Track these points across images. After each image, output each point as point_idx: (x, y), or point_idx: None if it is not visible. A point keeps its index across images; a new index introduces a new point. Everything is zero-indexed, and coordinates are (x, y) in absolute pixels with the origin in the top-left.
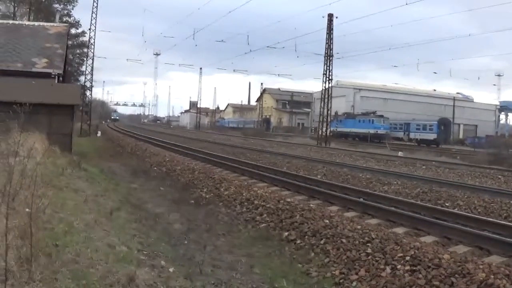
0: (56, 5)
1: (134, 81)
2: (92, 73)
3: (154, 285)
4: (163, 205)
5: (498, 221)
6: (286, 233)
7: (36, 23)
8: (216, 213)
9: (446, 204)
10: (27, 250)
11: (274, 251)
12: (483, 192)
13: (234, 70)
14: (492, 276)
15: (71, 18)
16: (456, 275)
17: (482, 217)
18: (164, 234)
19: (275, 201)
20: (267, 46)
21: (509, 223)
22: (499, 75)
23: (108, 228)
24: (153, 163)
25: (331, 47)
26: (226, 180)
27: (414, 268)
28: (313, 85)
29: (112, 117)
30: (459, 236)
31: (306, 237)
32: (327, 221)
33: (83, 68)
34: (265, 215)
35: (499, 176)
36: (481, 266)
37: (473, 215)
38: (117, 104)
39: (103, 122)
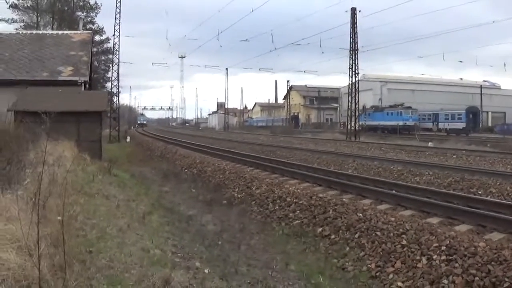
0: (79, 13)
1: (161, 85)
2: (118, 79)
3: (189, 286)
4: (195, 207)
5: None
6: (320, 229)
7: (60, 32)
8: (248, 212)
9: (479, 192)
10: (61, 258)
11: (308, 247)
12: None
13: (259, 69)
14: None
15: (95, 25)
16: (493, 263)
17: None
18: (197, 236)
19: (308, 197)
20: (292, 43)
21: None
22: None
23: (141, 232)
24: (183, 166)
25: (356, 41)
26: (257, 179)
27: (450, 257)
28: (340, 80)
29: (139, 122)
30: (494, 223)
31: (340, 231)
32: (361, 214)
33: (109, 75)
34: (298, 211)
35: None
36: None
37: (506, 202)
38: (144, 108)
39: (132, 127)
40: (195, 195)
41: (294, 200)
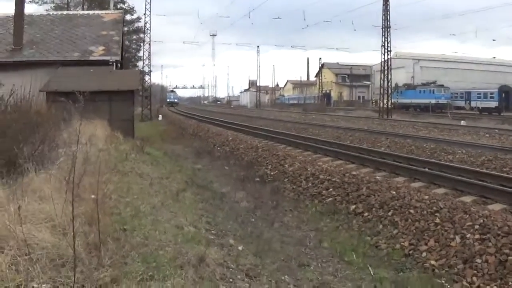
0: None
1: (192, 63)
2: (150, 57)
3: (224, 264)
4: (229, 184)
5: None
6: (353, 206)
7: (91, 12)
8: (282, 189)
9: None
10: (95, 236)
11: (342, 224)
12: None
13: (291, 46)
14: None
15: (125, 5)
16: None
17: None
18: (231, 213)
19: (341, 174)
20: (324, 21)
21: None
22: None
23: (175, 210)
24: (216, 143)
25: (388, 18)
26: (290, 156)
27: (484, 236)
28: (372, 58)
29: (169, 100)
30: None
31: (374, 209)
32: (394, 192)
33: (140, 54)
34: (331, 189)
35: None
36: None
37: None
38: (176, 87)
39: (163, 106)
40: (228, 172)
41: (327, 178)
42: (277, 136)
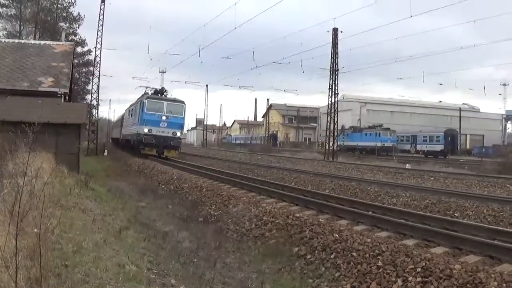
0: (62, 24)
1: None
2: (99, 91)
3: None
4: (172, 223)
5: (508, 229)
6: (296, 249)
7: (42, 42)
8: (225, 230)
9: (456, 215)
10: (37, 270)
11: (284, 267)
12: (492, 201)
13: (240, 87)
14: (504, 285)
15: (77, 37)
16: (468, 285)
17: (492, 226)
18: (173, 253)
19: (284, 216)
20: (273, 62)
21: None
22: (504, 85)
23: (117, 248)
24: (160, 181)
25: (337, 61)
26: (234, 197)
27: (426, 279)
28: (319, 100)
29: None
30: (470, 246)
31: (316, 252)
32: (337, 235)
33: (89, 87)
34: (274, 231)
35: (508, 185)
36: (492, 275)
37: (483, 225)
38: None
39: (110, 140)
40: (172, 211)
41: (271, 219)
42: (222, 176)
